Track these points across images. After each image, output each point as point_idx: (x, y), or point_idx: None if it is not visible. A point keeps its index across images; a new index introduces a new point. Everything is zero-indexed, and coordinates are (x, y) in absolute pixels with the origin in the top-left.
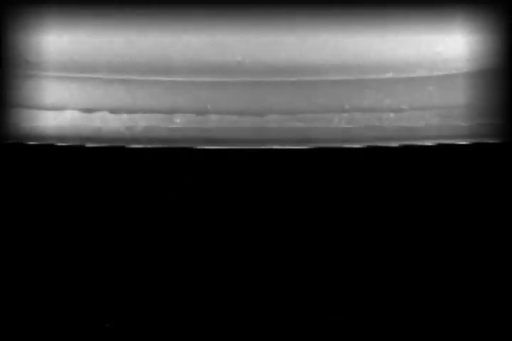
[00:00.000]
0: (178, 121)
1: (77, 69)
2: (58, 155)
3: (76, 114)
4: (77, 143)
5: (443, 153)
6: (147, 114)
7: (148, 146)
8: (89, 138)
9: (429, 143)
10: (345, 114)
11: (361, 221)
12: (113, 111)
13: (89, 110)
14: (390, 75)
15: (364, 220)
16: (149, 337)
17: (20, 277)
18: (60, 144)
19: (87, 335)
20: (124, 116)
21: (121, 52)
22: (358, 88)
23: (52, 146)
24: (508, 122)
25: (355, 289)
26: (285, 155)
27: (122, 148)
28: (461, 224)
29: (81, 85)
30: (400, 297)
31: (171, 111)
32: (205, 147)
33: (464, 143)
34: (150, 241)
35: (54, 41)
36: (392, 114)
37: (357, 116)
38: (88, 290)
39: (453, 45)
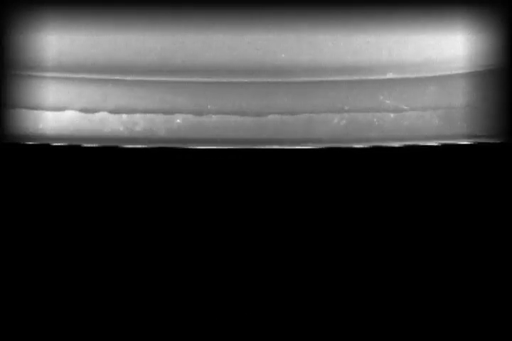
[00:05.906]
0: (178, 121)
1: (77, 70)
2: (58, 156)
3: (76, 114)
4: (77, 143)
5: (443, 153)
6: (147, 115)
7: (148, 146)
8: (88, 139)
9: (429, 143)
10: (345, 114)
11: (359, 220)
12: (113, 111)
13: (89, 110)
14: (390, 75)
15: (362, 220)
16: (149, 337)
17: (20, 276)
18: (59, 144)
19: (87, 335)
20: (124, 116)
21: (121, 53)
22: (358, 88)
23: (52, 146)
24: (508, 122)
25: (353, 289)
26: (285, 155)
27: (122, 149)
28: (461, 223)
29: (81, 86)
30: (399, 297)
31: (171, 112)
32: (205, 147)
33: (465, 143)
34: (150, 240)
35: (54, 41)
36: (392, 114)
37: (357, 116)
38: (86, 290)
39: (454, 45)
